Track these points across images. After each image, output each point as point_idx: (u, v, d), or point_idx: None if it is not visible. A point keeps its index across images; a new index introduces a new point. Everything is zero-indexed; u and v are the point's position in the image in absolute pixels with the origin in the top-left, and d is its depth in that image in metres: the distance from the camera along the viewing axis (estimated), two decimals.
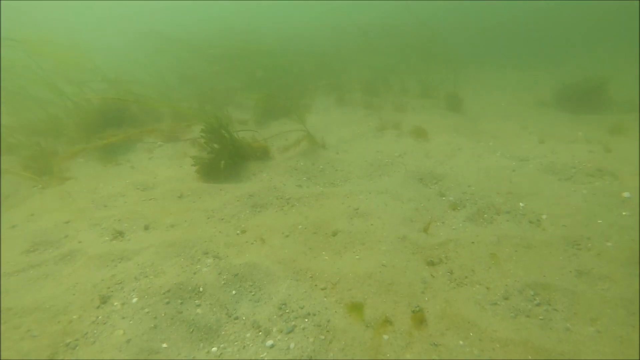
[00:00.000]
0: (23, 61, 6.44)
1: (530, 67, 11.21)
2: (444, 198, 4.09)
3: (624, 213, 3.55)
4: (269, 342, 2.34)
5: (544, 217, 3.59)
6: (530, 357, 2.18)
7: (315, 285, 2.82)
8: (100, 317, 2.55)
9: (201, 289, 2.79)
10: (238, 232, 3.57)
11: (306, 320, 2.48)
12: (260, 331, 2.44)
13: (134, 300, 2.66)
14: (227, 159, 4.74)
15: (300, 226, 3.62)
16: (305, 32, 16.94)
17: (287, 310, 2.57)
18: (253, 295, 2.79)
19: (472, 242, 3.25)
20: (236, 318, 2.58)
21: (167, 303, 2.64)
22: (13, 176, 4.62)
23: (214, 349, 2.36)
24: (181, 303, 2.67)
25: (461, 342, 2.29)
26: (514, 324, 2.42)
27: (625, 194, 3.83)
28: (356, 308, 2.53)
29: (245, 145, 5.05)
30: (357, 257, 3.14)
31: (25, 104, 5.96)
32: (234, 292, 2.81)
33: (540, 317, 2.49)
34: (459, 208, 3.87)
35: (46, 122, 5.66)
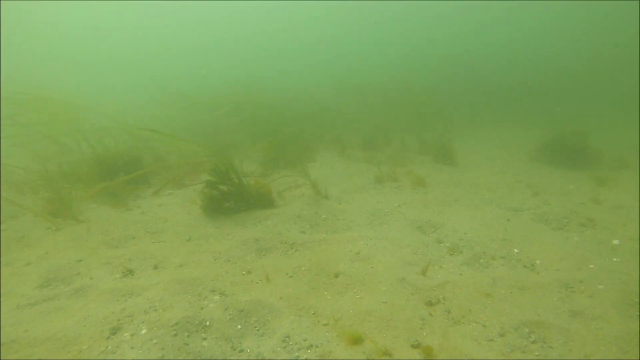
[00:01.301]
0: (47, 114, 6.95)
1: (523, 126, 11.79)
2: (441, 244, 4.26)
3: (614, 259, 3.71)
4: None
5: (537, 262, 3.74)
6: None
7: (318, 320, 2.92)
8: (109, 347, 2.63)
9: (208, 323, 2.89)
10: (244, 272, 3.71)
11: (309, 351, 2.56)
12: None
13: (143, 331, 2.76)
14: (234, 202, 4.98)
15: (303, 268, 3.76)
16: (310, 90, 17.95)
17: (290, 343, 2.66)
18: (258, 330, 2.88)
19: (469, 284, 3.38)
20: (241, 351, 2.66)
21: (175, 335, 2.74)
22: (29, 217, 4.84)
23: None
24: (188, 336, 2.76)
25: None
26: (510, 358, 2.50)
27: (615, 242, 4.00)
28: (357, 341, 2.62)
29: (252, 192, 5.31)
30: (358, 296, 3.26)
31: (48, 150, 6.33)
32: (239, 326, 2.90)
33: (536, 353, 2.57)
34: (455, 253, 4.03)
35: (65, 167, 5.98)
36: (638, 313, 2.93)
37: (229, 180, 5.01)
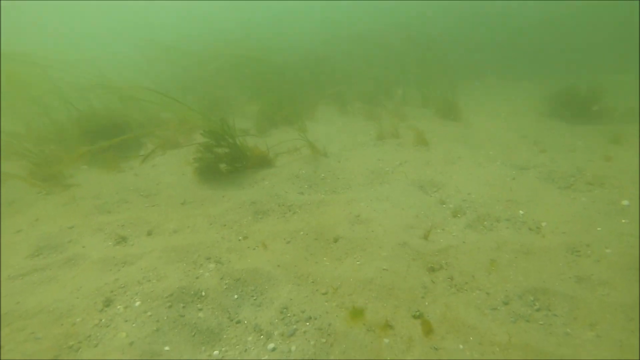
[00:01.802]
0: (27, 71, 6.57)
1: (530, 78, 11.33)
2: (444, 205, 4.12)
3: (623, 220, 3.58)
4: (271, 346, 2.35)
5: (543, 224, 3.62)
6: None
7: (317, 290, 2.84)
8: (103, 320, 2.57)
9: (203, 294, 2.82)
10: (240, 238, 3.60)
11: (307, 323, 2.50)
12: (261, 334, 2.46)
13: (137, 303, 2.69)
14: (229, 163, 4.80)
15: (301, 232, 3.65)
16: (306, 40, 17.12)
17: (288, 314, 2.59)
18: (255, 299, 2.81)
19: (472, 249, 3.28)
20: (238, 322, 2.60)
21: (170, 307, 2.67)
22: (18, 182, 4.68)
23: (216, 352, 2.38)
24: (183, 307, 2.69)
25: (461, 346, 2.30)
26: (514, 328, 2.44)
27: (625, 202, 3.86)
28: (357, 312, 2.54)
29: (248, 152, 5.11)
30: (358, 262, 3.17)
31: (30, 111, 6.04)
32: (235, 296, 2.83)
33: (540, 322, 2.50)
34: (459, 215, 3.90)
35: (50, 129, 5.73)
36: None
37: (224, 141, 4.79)
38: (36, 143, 5.30)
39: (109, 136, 5.49)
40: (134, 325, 2.50)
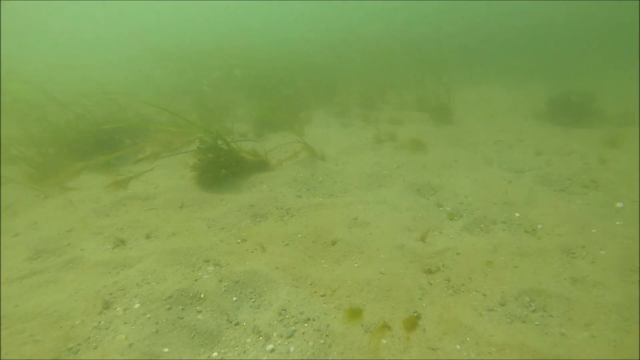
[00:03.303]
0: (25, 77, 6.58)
1: (525, 81, 11.42)
2: (441, 208, 4.16)
3: (617, 222, 3.63)
4: (269, 347, 2.37)
5: (539, 226, 3.66)
6: None
7: (315, 291, 2.86)
8: (102, 322, 2.58)
9: (202, 296, 2.83)
10: (239, 240, 3.62)
11: (306, 325, 2.51)
12: (260, 336, 2.47)
13: (136, 306, 2.70)
14: (227, 168, 4.83)
15: (299, 235, 3.67)
16: (302, 47, 17.22)
17: (287, 316, 2.61)
18: (253, 301, 2.83)
19: (469, 251, 3.31)
20: (237, 324, 2.61)
21: (169, 309, 2.68)
22: (15, 185, 4.68)
23: (215, 353, 2.39)
24: (182, 309, 2.71)
25: (458, 347, 2.32)
26: (510, 329, 2.47)
27: (619, 204, 3.91)
28: (355, 313, 2.57)
29: (245, 156, 5.13)
30: (356, 265, 3.19)
31: (26, 115, 6.04)
32: (234, 298, 2.85)
33: (536, 323, 2.53)
34: (456, 218, 3.94)
35: (48, 132, 5.73)
36: (639, 279, 2.88)
37: (219, 149, 4.81)
38: (33, 147, 5.29)
39: (108, 138, 5.51)
40: (133, 327, 2.52)
